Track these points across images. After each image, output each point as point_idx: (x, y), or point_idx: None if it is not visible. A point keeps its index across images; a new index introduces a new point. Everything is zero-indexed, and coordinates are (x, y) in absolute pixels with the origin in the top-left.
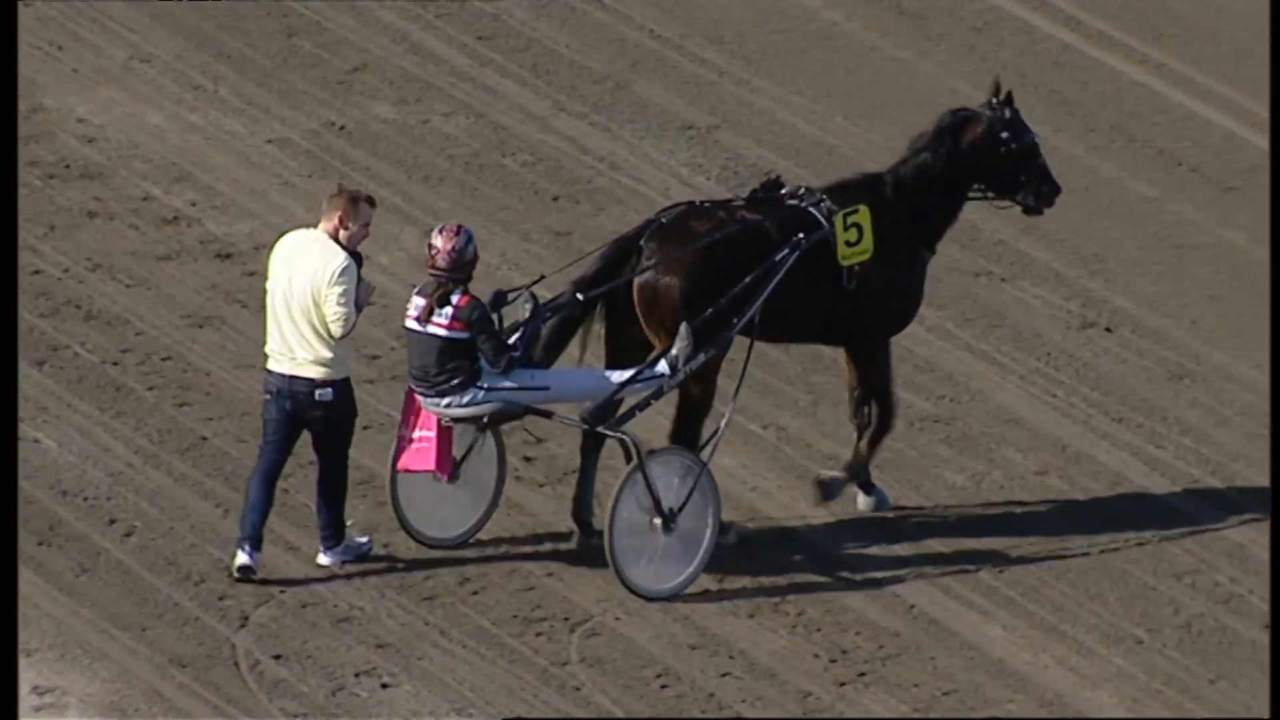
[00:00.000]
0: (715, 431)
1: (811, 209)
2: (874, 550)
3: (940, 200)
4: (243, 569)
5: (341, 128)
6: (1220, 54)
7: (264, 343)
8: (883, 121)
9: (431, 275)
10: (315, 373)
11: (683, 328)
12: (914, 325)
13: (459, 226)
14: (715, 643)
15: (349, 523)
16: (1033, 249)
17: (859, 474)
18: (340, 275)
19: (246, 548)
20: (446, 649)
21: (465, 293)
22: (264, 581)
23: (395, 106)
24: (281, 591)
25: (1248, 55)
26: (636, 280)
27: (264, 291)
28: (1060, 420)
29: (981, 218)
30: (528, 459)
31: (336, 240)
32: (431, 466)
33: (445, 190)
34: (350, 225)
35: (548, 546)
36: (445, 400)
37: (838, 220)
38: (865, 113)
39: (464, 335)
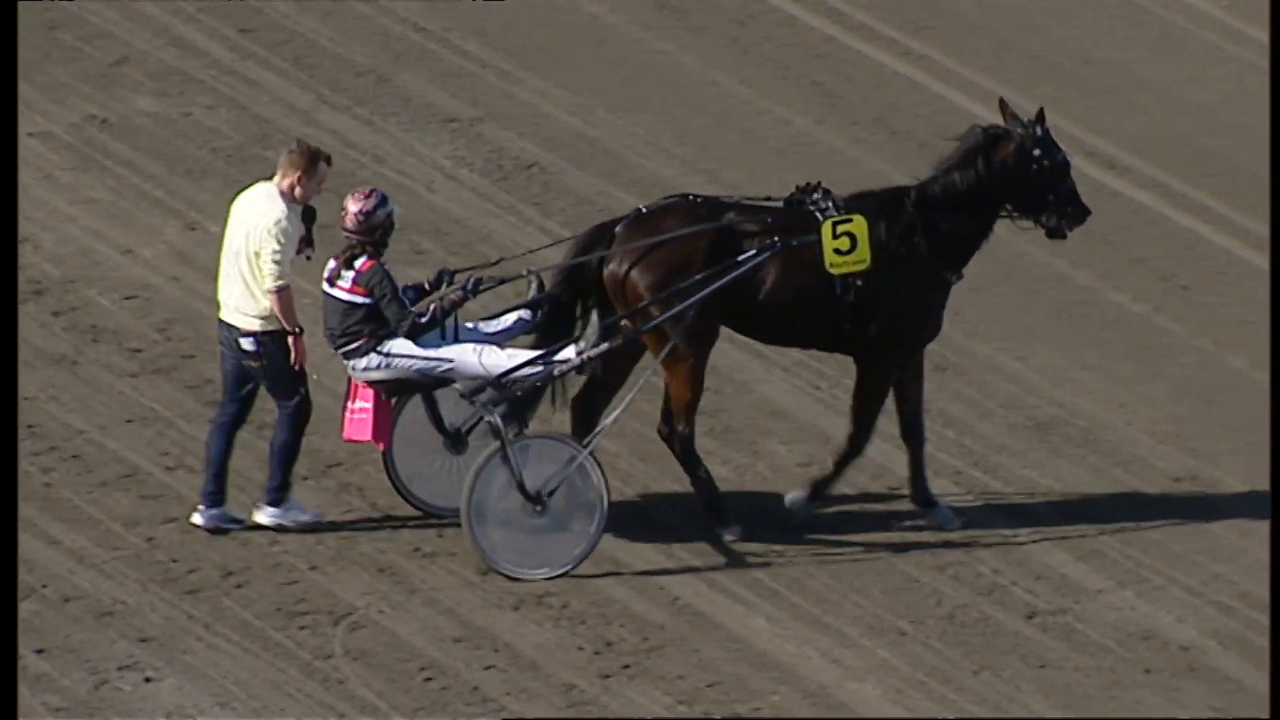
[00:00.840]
0: (604, 423)
1: (818, 214)
2: (639, 543)
3: (967, 220)
4: (199, 526)
5: (104, 121)
6: (982, 46)
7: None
8: (646, 114)
9: (344, 236)
10: (242, 321)
11: (593, 317)
12: None
13: (373, 190)
14: (479, 635)
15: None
16: None
17: (821, 492)
18: (277, 226)
19: (201, 507)
20: (210, 643)
21: (371, 257)
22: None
23: (157, 99)
24: (44, 586)
25: (1009, 48)
26: (605, 267)
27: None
28: (824, 412)
29: None
30: None
31: (292, 196)
32: (368, 437)
33: (208, 184)
34: (308, 182)
35: (312, 540)
36: (349, 363)
37: (825, 228)
38: (628, 106)
39: (364, 300)
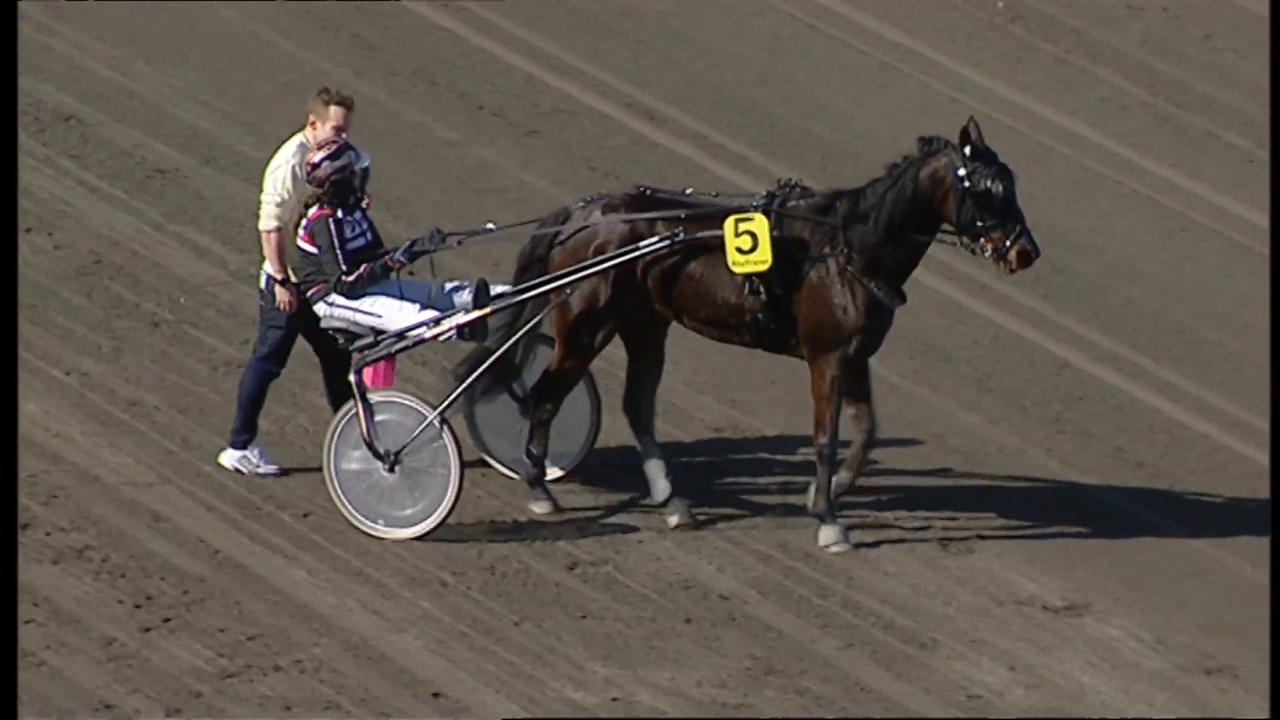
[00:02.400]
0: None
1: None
2: (179, 498)
3: (895, 236)
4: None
5: None
6: None
7: None
8: (185, 66)
9: None
10: (265, 264)
11: (477, 285)
12: (216, 269)
13: (333, 142)
14: (18, 590)
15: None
16: None
17: (832, 510)
18: (277, 171)
19: (228, 448)
20: None
21: (324, 207)
22: None
23: None
24: None
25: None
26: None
27: None
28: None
29: None
30: None
31: (314, 143)
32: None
33: None
34: (321, 127)
35: None
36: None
37: (728, 225)
38: (168, 58)
39: (311, 248)
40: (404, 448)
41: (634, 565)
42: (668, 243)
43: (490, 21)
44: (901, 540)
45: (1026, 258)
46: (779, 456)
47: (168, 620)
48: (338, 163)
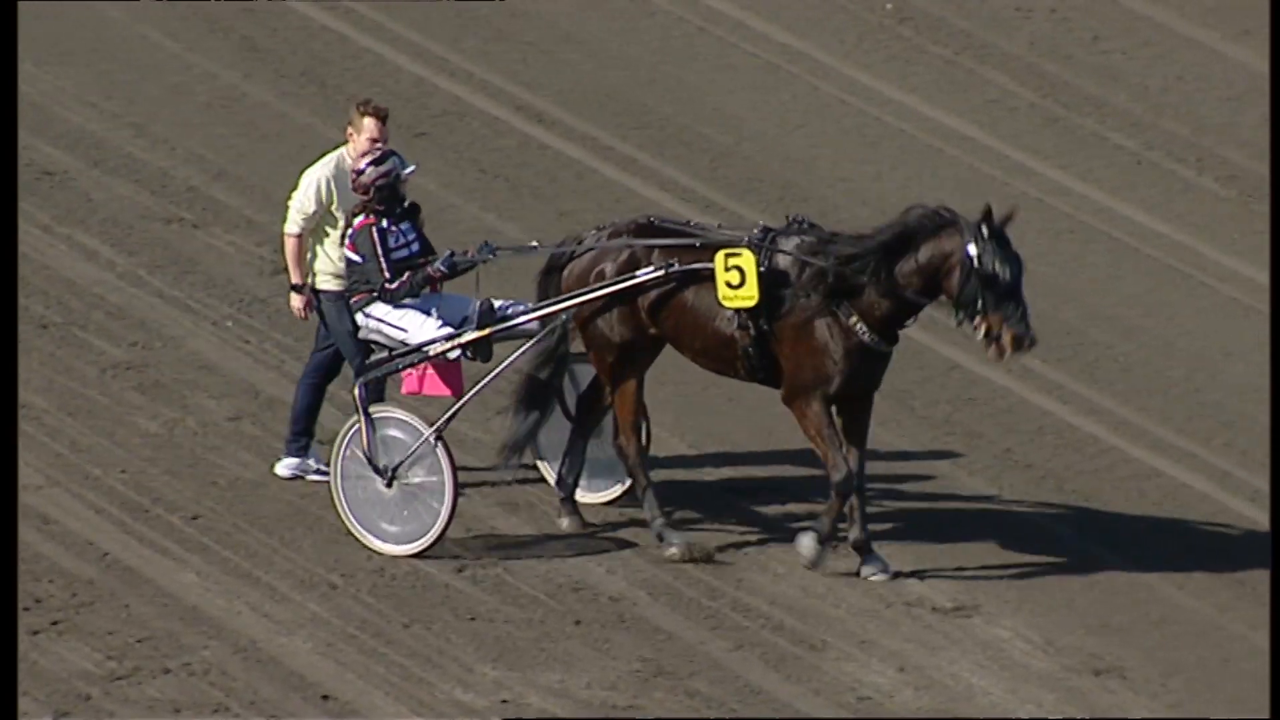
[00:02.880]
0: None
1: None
2: (68, 500)
3: (892, 296)
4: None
5: None
6: (406, 1)
7: None
8: (73, 67)
9: None
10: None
11: (480, 306)
12: (105, 272)
13: (378, 148)
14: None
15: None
16: (224, 195)
17: (830, 534)
18: (305, 179)
19: (286, 454)
20: None
21: (369, 215)
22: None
23: None
24: None
25: (434, 1)
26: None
27: None
28: (253, 366)
29: (173, 164)
30: None
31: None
32: (444, 391)
33: None
34: (356, 138)
35: None
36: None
37: (718, 259)
38: (55, 59)
39: (356, 257)
40: (400, 464)
41: (523, 567)
42: (662, 273)
43: (379, 23)
44: (791, 542)
45: (1019, 342)
46: (668, 458)
47: (56, 623)
48: (383, 168)
